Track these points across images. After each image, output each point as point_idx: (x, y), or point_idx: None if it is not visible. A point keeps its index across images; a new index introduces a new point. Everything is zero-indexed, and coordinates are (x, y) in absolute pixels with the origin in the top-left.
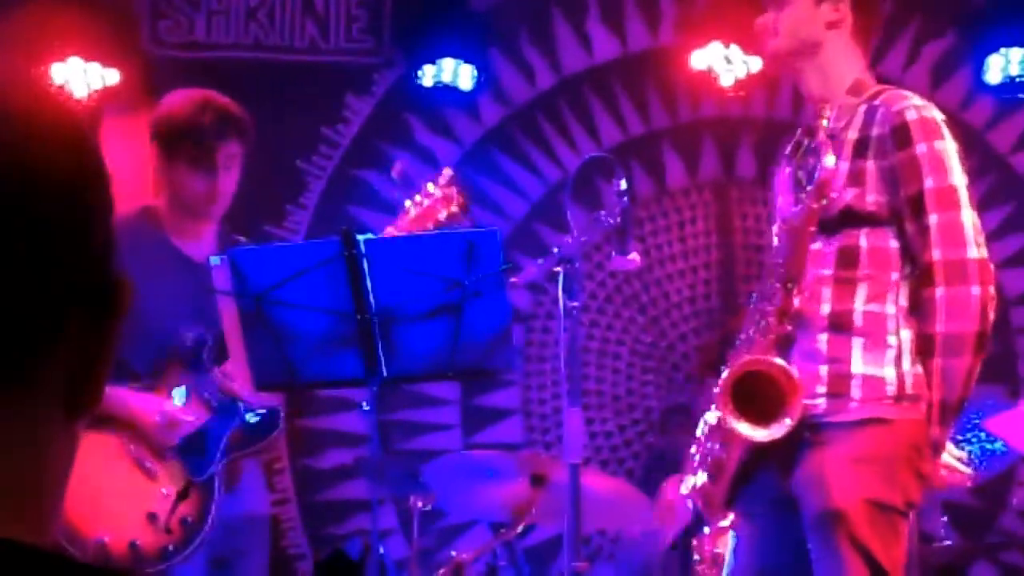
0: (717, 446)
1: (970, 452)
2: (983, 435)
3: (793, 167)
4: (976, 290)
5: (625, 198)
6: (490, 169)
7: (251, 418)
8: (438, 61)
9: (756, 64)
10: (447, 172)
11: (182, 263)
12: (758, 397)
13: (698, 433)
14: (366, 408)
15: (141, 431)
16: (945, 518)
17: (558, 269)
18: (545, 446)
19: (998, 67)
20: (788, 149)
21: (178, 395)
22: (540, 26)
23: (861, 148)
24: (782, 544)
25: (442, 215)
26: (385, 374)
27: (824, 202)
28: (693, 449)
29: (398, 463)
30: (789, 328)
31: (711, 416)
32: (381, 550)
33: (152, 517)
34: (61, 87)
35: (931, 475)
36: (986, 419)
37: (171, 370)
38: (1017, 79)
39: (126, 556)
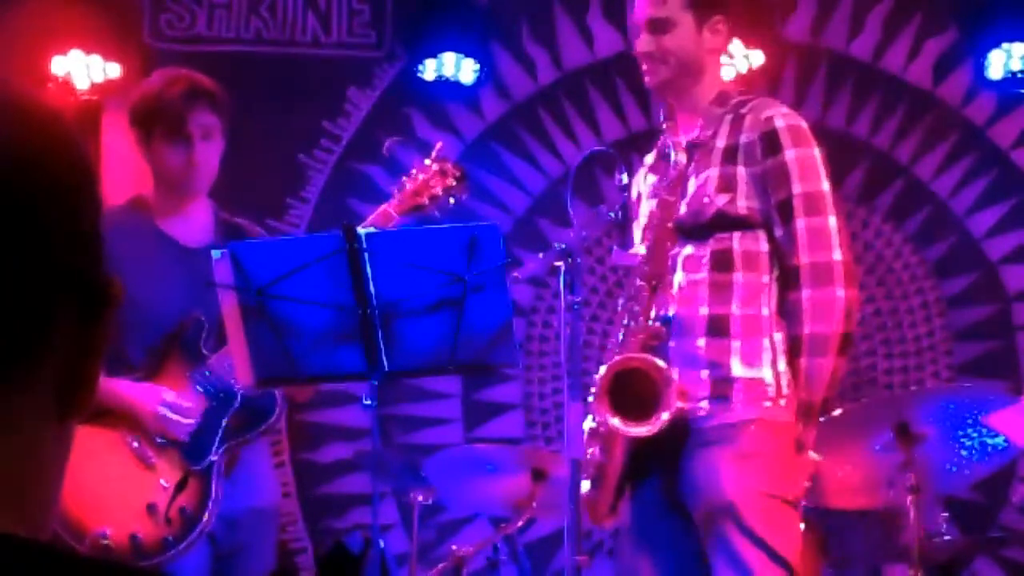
0: (597, 451)
1: (970, 447)
2: (984, 430)
3: (661, 173)
4: (841, 292)
5: (626, 192)
6: (491, 163)
7: (246, 409)
8: (440, 55)
9: (757, 59)
10: (439, 146)
11: (173, 250)
12: (634, 395)
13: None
14: (367, 402)
15: (142, 423)
16: (946, 513)
17: (559, 264)
18: (546, 440)
19: (1000, 63)
20: (651, 160)
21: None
22: (542, 20)
23: (730, 155)
24: (683, 554)
25: (438, 189)
26: (386, 368)
27: (716, 199)
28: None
29: (399, 457)
30: (658, 326)
31: (587, 422)
32: (382, 544)
33: (151, 508)
34: (62, 80)
35: (803, 471)
36: (987, 414)
37: (168, 359)
38: (1019, 74)
39: (127, 548)
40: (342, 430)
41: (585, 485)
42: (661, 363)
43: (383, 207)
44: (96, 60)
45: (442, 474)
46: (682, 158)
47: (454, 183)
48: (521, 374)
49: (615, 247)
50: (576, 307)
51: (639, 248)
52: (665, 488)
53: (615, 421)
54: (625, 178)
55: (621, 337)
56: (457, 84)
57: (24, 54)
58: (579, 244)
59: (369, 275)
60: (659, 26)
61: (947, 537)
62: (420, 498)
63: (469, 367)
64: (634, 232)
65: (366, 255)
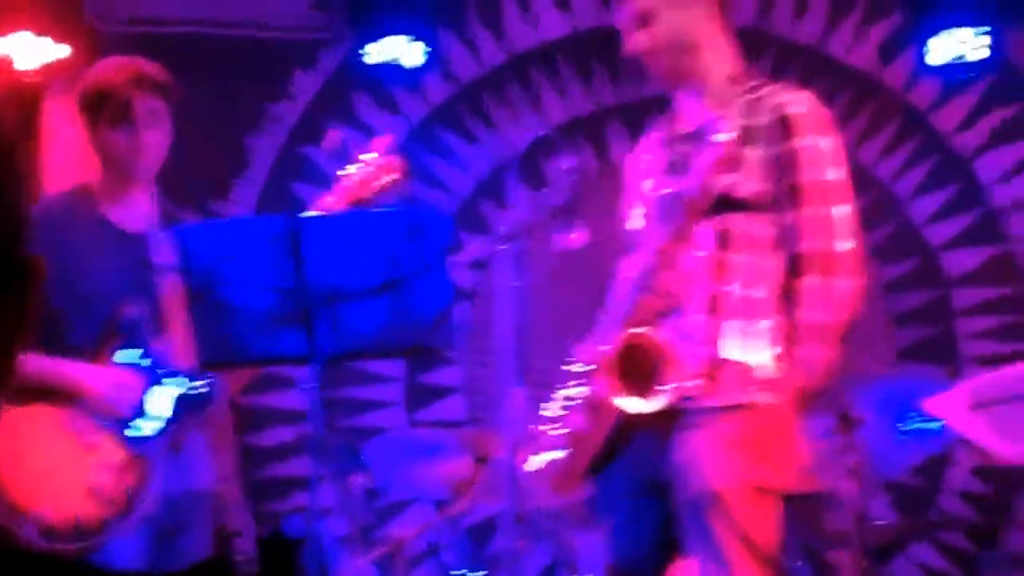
0: (583, 420)
1: (908, 432)
2: (923, 415)
3: (668, 151)
4: (843, 282)
5: (571, 176)
6: (436, 147)
7: (191, 390)
8: (385, 38)
9: None
10: (385, 139)
11: (117, 237)
12: (634, 371)
13: (550, 412)
14: (305, 386)
15: (88, 402)
16: (885, 497)
17: (502, 247)
18: (488, 424)
19: (943, 48)
20: (657, 135)
21: (122, 357)
22: (487, 3)
23: (744, 136)
24: (639, 534)
25: (380, 182)
26: (328, 351)
27: (722, 179)
28: (545, 426)
29: (340, 440)
30: (662, 303)
31: (574, 392)
32: (322, 527)
33: (93, 490)
34: (8, 60)
35: (796, 459)
36: (925, 399)
37: (110, 345)
38: (961, 61)
39: (68, 529)
40: (285, 413)
41: (558, 454)
42: (663, 340)
43: (323, 200)
44: (42, 41)
45: (383, 458)
46: (723, 138)
47: (396, 177)
48: (464, 358)
49: (559, 231)
50: (518, 291)
51: (636, 223)
52: (638, 466)
53: (617, 397)
54: (570, 162)
55: (625, 312)
56: (402, 67)
57: None
58: (522, 228)
59: (311, 258)
60: (644, 19)
61: (886, 521)
62: (360, 481)
63: (410, 350)
64: (631, 209)
65: (308, 238)
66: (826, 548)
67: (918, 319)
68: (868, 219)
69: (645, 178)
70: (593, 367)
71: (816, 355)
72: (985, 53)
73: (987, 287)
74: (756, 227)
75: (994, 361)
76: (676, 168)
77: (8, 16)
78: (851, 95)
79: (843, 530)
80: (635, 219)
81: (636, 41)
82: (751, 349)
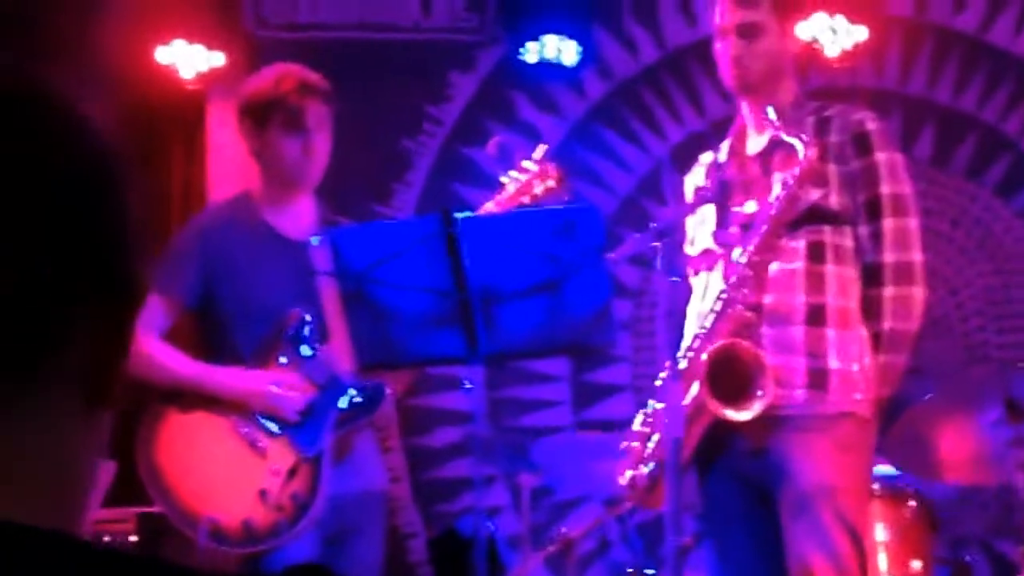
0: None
1: None
2: None
3: (736, 173)
4: (919, 292)
5: (724, 172)
6: (595, 144)
7: (356, 396)
8: (541, 37)
9: (862, 34)
10: (542, 147)
11: (280, 244)
12: (727, 380)
13: (636, 426)
14: (468, 387)
15: (251, 405)
16: None
17: (657, 243)
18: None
19: None
20: (714, 157)
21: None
22: (643, 0)
23: (822, 153)
24: (762, 545)
25: (539, 189)
26: (485, 352)
27: (810, 193)
28: (627, 443)
29: (507, 440)
30: (750, 315)
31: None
32: (492, 527)
33: (263, 494)
34: (174, 69)
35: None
36: None
37: (276, 349)
38: None
39: (239, 533)
40: (453, 414)
41: (649, 467)
42: (756, 349)
43: (484, 208)
44: (199, 49)
45: (551, 457)
46: (812, 153)
47: (554, 185)
48: (630, 355)
49: (715, 226)
50: (676, 287)
51: (702, 244)
52: (740, 478)
53: (716, 405)
54: (723, 156)
55: (710, 322)
56: (559, 66)
57: (127, 45)
58: (677, 223)
59: (467, 259)
60: (750, 31)
61: None
62: (529, 481)
63: (568, 349)
64: (693, 227)
65: (463, 239)
66: (1001, 541)
67: None
68: None
69: (717, 198)
70: (679, 378)
71: (899, 364)
72: None
73: None
74: (840, 239)
75: None
76: (750, 187)
77: (164, 24)
78: (1015, 84)
79: (1019, 523)
80: (705, 237)
81: (736, 46)
82: (851, 359)
